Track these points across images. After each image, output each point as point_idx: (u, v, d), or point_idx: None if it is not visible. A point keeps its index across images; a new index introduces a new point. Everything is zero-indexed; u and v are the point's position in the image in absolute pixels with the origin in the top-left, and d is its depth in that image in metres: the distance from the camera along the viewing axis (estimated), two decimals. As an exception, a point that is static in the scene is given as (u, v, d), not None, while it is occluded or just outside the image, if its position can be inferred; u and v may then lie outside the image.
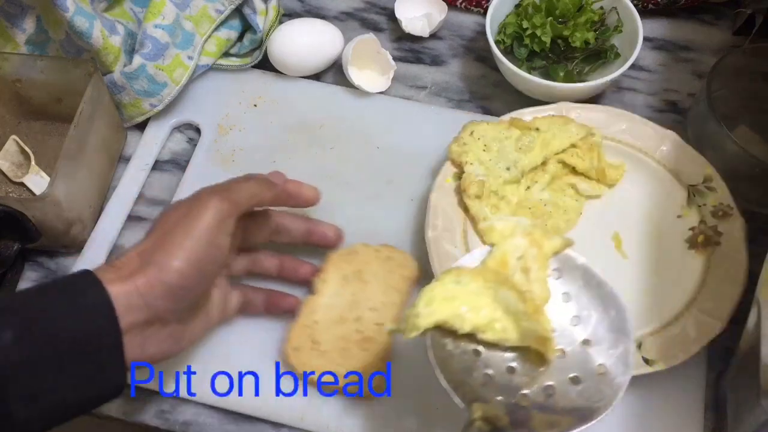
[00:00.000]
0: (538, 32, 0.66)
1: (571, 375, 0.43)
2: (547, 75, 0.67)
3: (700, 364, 0.54)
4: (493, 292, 0.44)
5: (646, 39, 0.70)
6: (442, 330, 0.43)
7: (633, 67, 0.65)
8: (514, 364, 0.43)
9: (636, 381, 0.52)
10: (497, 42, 0.67)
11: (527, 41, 0.67)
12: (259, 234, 0.56)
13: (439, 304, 0.43)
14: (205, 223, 0.47)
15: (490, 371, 0.43)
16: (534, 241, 0.45)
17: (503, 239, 0.46)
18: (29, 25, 0.65)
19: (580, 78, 0.67)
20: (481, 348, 0.43)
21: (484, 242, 0.58)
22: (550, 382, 0.42)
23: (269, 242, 0.57)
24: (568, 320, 0.44)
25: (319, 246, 0.58)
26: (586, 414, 0.40)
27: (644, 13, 0.70)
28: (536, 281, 0.44)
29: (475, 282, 0.44)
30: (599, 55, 0.67)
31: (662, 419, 0.53)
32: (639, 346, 0.52)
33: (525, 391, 0.42)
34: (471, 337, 0.43)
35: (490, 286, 0.44)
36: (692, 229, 0.58)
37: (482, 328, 0.43)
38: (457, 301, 0.43)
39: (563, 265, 0.46)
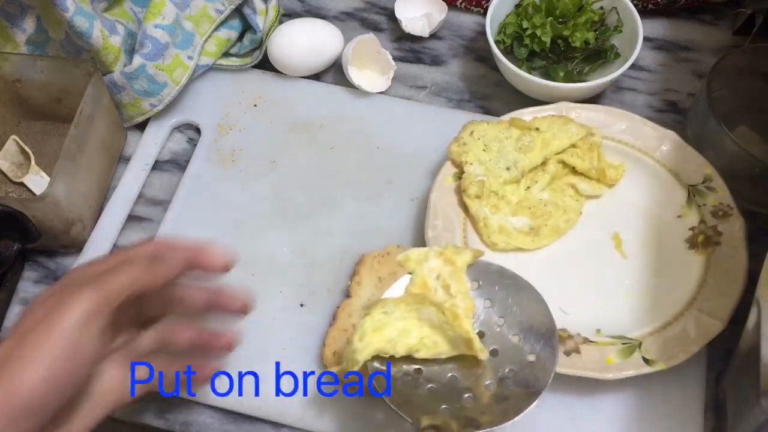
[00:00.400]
0: (538, 32, 0.66)
1: (507, 369, 0.46)
2: (547, 75, 0.67)
3: (700, 364, 0.54)
4: (416, 313, 0.48)
5: (646, 39, 0.70)
6: (381, 358, 0.47)
7: (633, 67, 0.65)
8: (454, 373, 0.47)
9: (636, 381, 0.52)
10: (497, 42, 0.67)
11: (527, 41, 0.67)
12: (154, 307, 0.49)
13: (371, 336, 0.47)
14: (68, 326, 0.40)
15: (432, 385, 0.47)
16: (447, 260, 0.48)
17: (419, 264, 0.49)
18: (29, 25, 0.65)
19: (580, 78, 0.67)
20: (421, 366, 0.47)
21: (483, 242, 0.58)
22: (489, 381, 0.46)
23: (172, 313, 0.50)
24: (494, 321, 0.48)
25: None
26: (526, 399, 0.45)
27: (644, 13, 0.70)
28: (458, 294, 0.48)
29: (399, 308, 0.48)
30: (599, 55, 0.67)
31: (662, 419, 0.53)
32: (639, 345, 0.52)
33: (468, 395, 0.46)
34: (410, 358, 0.47)
35: (413, 309, 0.48)
36: (692, 229, 0.58)
37: (416, 347, 0.47)
38: (387, 329, 0.47)
39: (480, 274, 0.49)
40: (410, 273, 0.49)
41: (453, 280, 0.48)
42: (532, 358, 0.46)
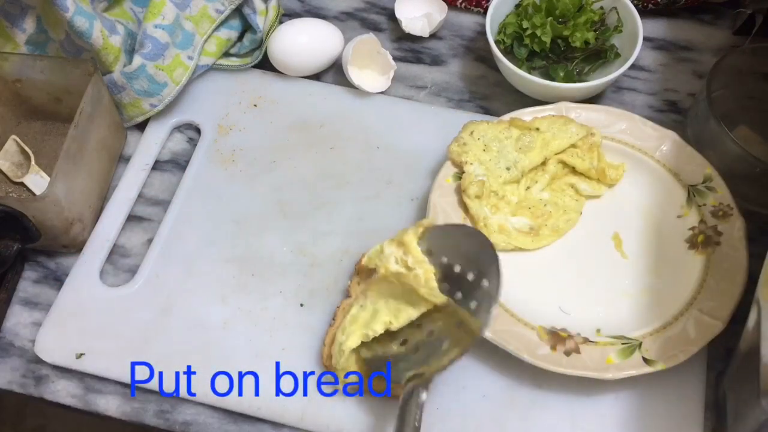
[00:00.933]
0: (538, 32, 0.66)
1: (473, 305, 0.51)
2: (547, 75, 0.67)
3: (700, 364, 0.54)
4: (380, 294, 0.54)
5: (646, 39, 0.70)
6: (366, 343, 0.53)
7: (633, 67, 0.65)
8: (432, 328, 0.52)
9: (636, 381, 0.52)
10: (497, 42, 0.67)
11: (527, 41, 0.67)
12: None
13: (351, 327, 0.53)
14: None
15: (415, 344, 0.52)
16: (398, 243, 0.54)
17: (379, 256, 0.55)
18: (29, 25, 0.65)
19: (580, 78, 0.67)
20: (406, 338, 0.53)
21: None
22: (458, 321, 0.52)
23: None
24: (454, 272, 0.52)
25: None
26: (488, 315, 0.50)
27: (644, 13, 0.70)
28: (416, 265, 0.53)
29: (369, 298, 0.54)
30: (599, 55, 0.67)
31: (662, 419, 0.53)
32: (639, 346, 0.52)
33: (446, 340, 0.51)
34: (391, 334, 0.53)
35: (380, 292, 0.54)
36: (692, 228, 0.58)
37: (388, 321, 0.53)
38: (362, 316, 0.54)
39: (428, 236, 0.54)
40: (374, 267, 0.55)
41: (408, 256, 0.53)
42: (485, 283, 0.50)
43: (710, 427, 0.53)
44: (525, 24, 0.66)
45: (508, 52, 0.68)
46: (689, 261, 0.56)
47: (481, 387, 0.54)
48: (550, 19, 0.66)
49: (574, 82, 0.66)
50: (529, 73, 0.65)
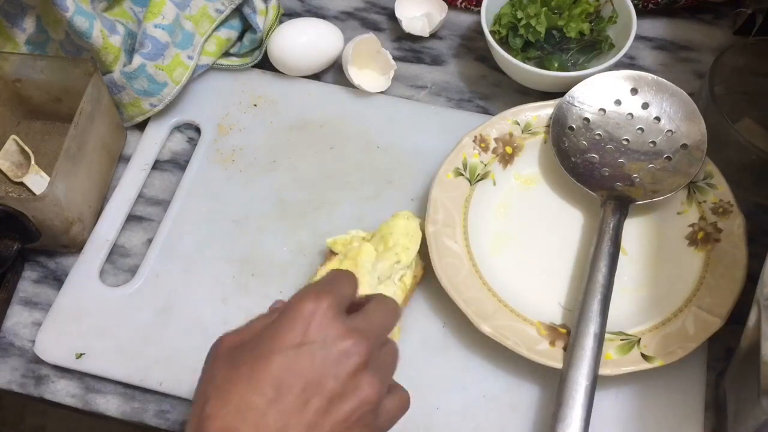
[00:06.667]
0: (533, 22, 0.66)
1: (664, 156, 0.59)
2: (542, 66, 0.67)
3: (700, 363, 0.54)
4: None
5: (646, 39, 0.70)
6: None
7: (633, 66, 0.64)
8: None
9: (635, 379, 0.52)
10: (492, 33, 0.67)
11: (522, 31, 0.67)
12: None
13: None
14: None
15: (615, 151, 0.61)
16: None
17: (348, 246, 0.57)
18: (29, 24, 0.65)
19: (574, 69, 0.67)
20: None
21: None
22: (651, 165, 0.59)
23: None
24: (651, 120, 0.60)
25: None
26: (684, 177, 0.58)
27: (644, 12, 0.71)
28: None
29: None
30: (594, 46, 0.67)
31: (662, 419, 0.52)
32: (638, 342, 0.52)
33: (635, 175, 0.59)
34: None
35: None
36: (692, 225, 0.58)
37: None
38: None
39: (638, 83, 0.61)
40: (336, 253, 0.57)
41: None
42: (685, 141, 0.58)
43: (710, 426, 0.52)
44: (520, 14, 0.66)
45: (503, 43, 0.67)
46: (689, 257, 0.56)
47: (481, 387, 0.54)
48: (545, 9, 0.66)
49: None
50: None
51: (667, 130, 0.60)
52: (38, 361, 0.56)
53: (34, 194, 0.63)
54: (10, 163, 0.64)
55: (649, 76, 0.62)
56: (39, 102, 0.65)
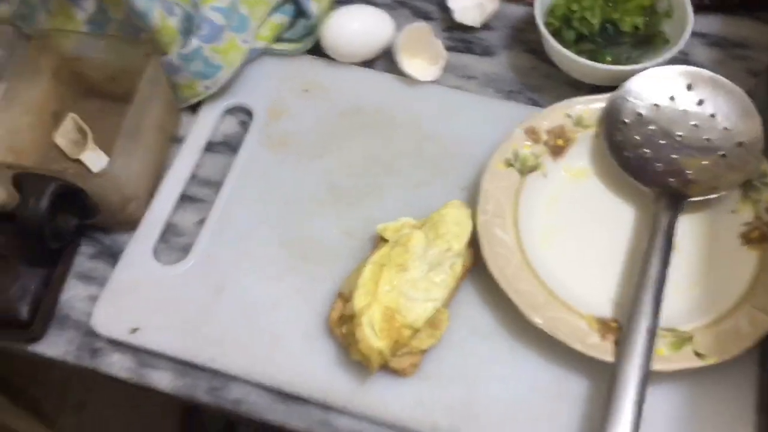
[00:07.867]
0: (587, 15, 0.66)
1: (719, 153, 0.59)
2: (595, 59, 0.67)
3: (751, 364, 0.54)
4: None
5: (700, 35, 0.69)
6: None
7: (686, 62, 0.64)
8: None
9: (686, 379, 0.52)
10: (546, 25, 0.67)
11: (576, 24, 0.66)
12: None
13: (361, 298, 0.54)
14: None
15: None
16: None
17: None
18: (90, 4, 0.66)
19: (628, 63, 0.67)
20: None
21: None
22: (706, 162, 0.59)
23: None
24: (707, 116, 0.60)
25: None
26: (739, 175, 0.58)
27: (700, 8, 0.70)
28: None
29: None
30: (648, 41, 0.67)
31: (713, 417, 0.52)
32: (690, 339, 0.52)
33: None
34: None
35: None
36: (746, 224, 0.57)
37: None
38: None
39: (694, 79, 0.61)
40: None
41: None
42: (741, 138, 0.58)
43: (761, 429, 0.52)
44: (574, 6, 0.66)
45: (556, 35, 0.67)
46: (743, 256, 0.56)
47: (528, 376, 0.54)
48: (599, 1, 0.66)
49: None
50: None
51: (723, 128, 0.60)
52: (93, 334, 0.57)
53: (90, 171, 0.64)
54: (68, 141, 0.65)
55: (706, 72, 0.62)
56: (95, 81, 0.66)
